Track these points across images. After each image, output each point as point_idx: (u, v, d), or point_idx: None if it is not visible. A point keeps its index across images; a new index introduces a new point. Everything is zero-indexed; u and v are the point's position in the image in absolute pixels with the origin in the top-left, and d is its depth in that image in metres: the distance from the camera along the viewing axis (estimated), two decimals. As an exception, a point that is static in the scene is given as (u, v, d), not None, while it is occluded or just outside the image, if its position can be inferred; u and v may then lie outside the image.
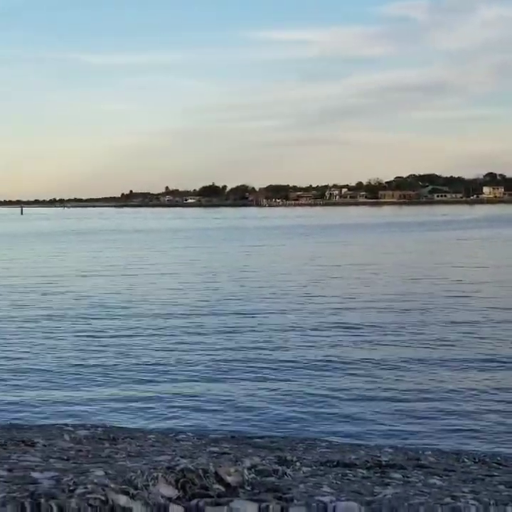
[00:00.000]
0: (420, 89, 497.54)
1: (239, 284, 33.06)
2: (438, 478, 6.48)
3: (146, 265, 44.13)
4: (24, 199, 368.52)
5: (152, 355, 17.77)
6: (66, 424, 10.91)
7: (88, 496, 4.40)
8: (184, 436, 9.95)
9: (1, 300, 28.56)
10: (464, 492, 5.56)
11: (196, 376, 15.79)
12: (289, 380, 15.43)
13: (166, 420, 12.47)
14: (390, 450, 9.68)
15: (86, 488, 4.48)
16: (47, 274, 39.08)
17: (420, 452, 9.67)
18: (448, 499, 5.13)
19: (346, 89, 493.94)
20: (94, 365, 16.75)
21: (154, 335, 20.39)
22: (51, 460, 5.92)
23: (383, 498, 4.97)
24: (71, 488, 4.49)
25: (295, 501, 4.76)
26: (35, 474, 5.00)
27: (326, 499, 4.74)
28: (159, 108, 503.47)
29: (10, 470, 5.22)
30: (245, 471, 5.85)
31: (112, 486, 4.67)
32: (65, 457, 6.14)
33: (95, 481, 4.73)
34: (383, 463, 7.32)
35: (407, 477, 6.26)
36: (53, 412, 13.04)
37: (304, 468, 6.64)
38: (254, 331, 20.75)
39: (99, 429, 10.35)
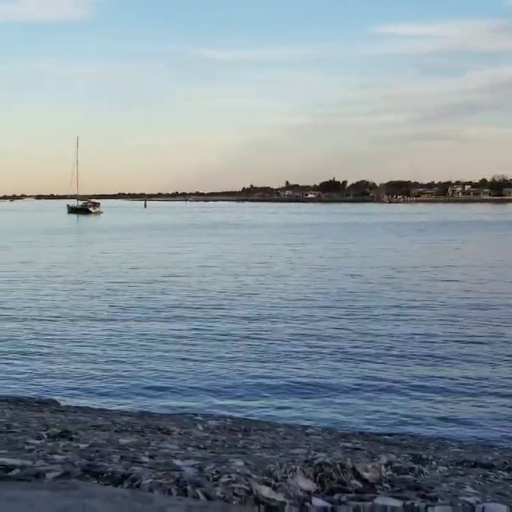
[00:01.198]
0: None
1: (364, 282, 32.80)
2: None
3: (268, 260, 44.33)
4: (148, 192, 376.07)
5: (278, 352, 17.84)
6: (195, 414, 11.04)
7: (233, 485, 4.41)
8: (313, 430, 9.91)
9: (127, 294, 29.20)
10: None
11: (319, 374, 15.78)
12: (411, 383, 15.24)
13: (292, 413, 12.52)
14: (524, 453, 9.39)
15: (230, 477, 4.50)
16: (169, 267, 39.68)
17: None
18: None
19: (468, 83, 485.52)
20: (217, 360, 16.94)
21: (282, 338, 20.45)
22: (189, 448, 5.99)
23: (531, 501, 4.81)
24: (215, 476, 4.52)
25: (439, 500, 4.65)
26: (177, 462, 5.05)
27: (471, 500, 4.62)
28: (280, 103, 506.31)
29: (151, 457, 5.30)
30: (382, 468, 5.75)
31: (254, 476, 4.67)
32: (202, 446, 6.19)
33: (237, 470, 4.74)
34: (521, 465, 7.10)
35: (551, 481, 6.05)
36: (180, 404, 13.26)
37: (441, 468, 6.50)
38: (377, 335, 20.55)
39: (228, 420, 10.42)
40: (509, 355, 18.07)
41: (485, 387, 14.99)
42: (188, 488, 4.34)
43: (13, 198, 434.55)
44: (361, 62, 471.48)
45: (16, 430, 6.16)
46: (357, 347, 18.45)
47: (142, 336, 20.04)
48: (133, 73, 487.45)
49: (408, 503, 4.56)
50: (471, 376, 15.84)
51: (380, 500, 4.68)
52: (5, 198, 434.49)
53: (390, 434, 10.45)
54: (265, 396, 13.98)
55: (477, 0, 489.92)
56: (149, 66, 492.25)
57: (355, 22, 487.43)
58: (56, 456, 5.15)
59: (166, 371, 15.97)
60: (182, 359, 17.17)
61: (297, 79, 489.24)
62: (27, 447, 5.51)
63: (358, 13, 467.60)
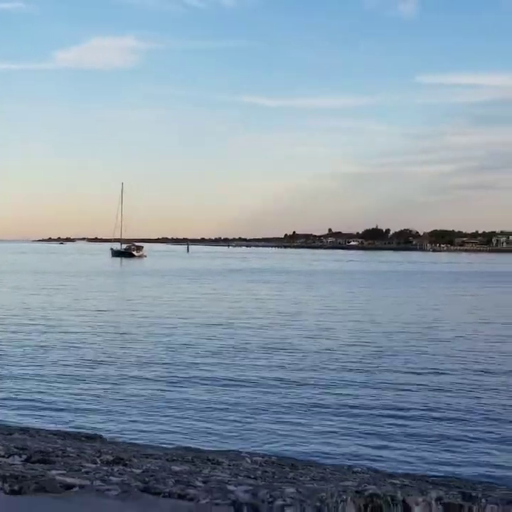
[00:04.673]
0: None
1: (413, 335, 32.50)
2: None
3: (310, 310, 44.36)
4: (191, 237, 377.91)
5: (315, 392, 17.84)
6: (240, 451, 11.08)
7: (286, 508, 4.48)
8: (358, 469, 9.91)
9: (165, 338, 29.35)
10: None
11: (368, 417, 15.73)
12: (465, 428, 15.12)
13: (335, 455, 12.48)
14: None
15: (284, 500, 4.57)
16: (204, 312, 39.88)
17: None
18: None
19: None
20: (252, 403, 16.97)
21: (322, 384, 20.44)
22: (240, 477, 6.05)
23: None
24: (269, 500, 4.59)
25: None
26: (230, 487, 5.13)
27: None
28: (327, 151, 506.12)
29: (205, 482, 5.38)
30: (433, 502, 5.77)
31: (308, 502, 4.73)
32: (253, 476, 6.25)
33: (291, 495, 4.81)
34: None
35: None
36: (225, 443, 13.29)
37: (490, 506, 6.48)
38: (419, 387, 20.34)
39: (273, 457, 10.46)
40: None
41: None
42: (244, 509, 4.44)
43: (60, 240, 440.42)
44: (411, 112, 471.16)
45: (71, 455, 6.28)
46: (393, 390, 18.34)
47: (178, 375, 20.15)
48: (178, 119, 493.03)
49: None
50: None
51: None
52: (50, 240, 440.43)
53: (437, 476, 10.40)
54: (308, 438, 13.94)
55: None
56: (194, 113, 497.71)
57: (406, 73, 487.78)
58: (113, 478, 5.27)
59: (207, 411, 16.02)
60: (219, 400, 17.19)
61: (346, 128, 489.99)
62: (83, 470, 5.64)
63: (408, 63, 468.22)
